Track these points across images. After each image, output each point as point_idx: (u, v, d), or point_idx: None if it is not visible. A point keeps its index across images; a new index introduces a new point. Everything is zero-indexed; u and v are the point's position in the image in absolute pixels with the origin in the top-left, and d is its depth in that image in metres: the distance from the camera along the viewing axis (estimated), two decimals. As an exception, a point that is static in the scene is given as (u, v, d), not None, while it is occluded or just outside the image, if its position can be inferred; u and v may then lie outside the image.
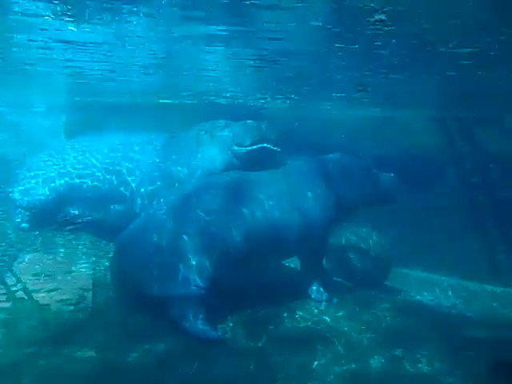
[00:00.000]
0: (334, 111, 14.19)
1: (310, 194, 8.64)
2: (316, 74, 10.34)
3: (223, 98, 13.25)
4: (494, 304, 10.97)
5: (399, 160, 9.69)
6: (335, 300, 8.82)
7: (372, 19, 6.58)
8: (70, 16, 7.26)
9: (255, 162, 9.03)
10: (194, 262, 7.57)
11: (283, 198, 8.39)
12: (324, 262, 9.36)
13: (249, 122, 9.26)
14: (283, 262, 9.72)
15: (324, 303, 8.68)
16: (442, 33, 7.30)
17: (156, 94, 13.55)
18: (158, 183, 9.81)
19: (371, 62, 9.02)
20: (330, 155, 9.16)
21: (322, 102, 13.28)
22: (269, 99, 13.14)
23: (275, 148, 9.04)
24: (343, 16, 6.70)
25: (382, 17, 6.51)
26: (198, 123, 9.99)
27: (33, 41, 8.51)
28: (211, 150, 9.57)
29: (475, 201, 12.62)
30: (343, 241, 10.67)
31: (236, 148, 9.25)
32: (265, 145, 9.04)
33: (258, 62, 9.44)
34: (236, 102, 13.58)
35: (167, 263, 7.52)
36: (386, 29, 6.88)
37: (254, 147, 9.08)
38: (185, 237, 7.66)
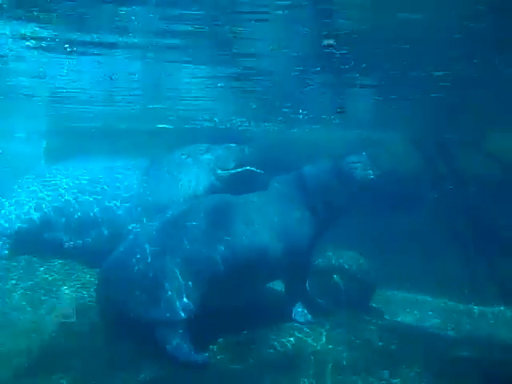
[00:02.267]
0: (317, 133, 14.47)
1: (292, 215, 8.76)
2: (292, 96, 10.55)
3: (205, 121, 13.43)
4: (480, 323, 11.03)
5: (380, 182, 9.40)
6: (319, 322, 8.80)
7: (323, 43, 6.91)
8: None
9: (238, 184, 9.20)
10: (178, 287, 7.63)
11: (266, 222, 8.49)
12: (307, 284, 9.43)
13: (232, 145, 9.45)
14: (268, 284, 9.72)
15: (308, 325, 8.67)
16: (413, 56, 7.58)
17: (137, 119, 13.69)
18: (141, 208, 9.81)
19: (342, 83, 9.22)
20: (304, 168, 9.27)
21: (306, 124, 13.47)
22: (252, 123, 13.37)
23: (258, 170, 9.24)
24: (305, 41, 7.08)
25: (331, 41, 6.87)
26: (179, 147, 10.14)
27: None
28: (194, 174, 9.68)
29: (455, 222, 12.79)
30: (327, 262, 10.65)
31: (219, 171, 9.41)
32: (248, 167, 9.24)
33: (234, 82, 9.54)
34: (217, 125, 13.77)
35: (152, 288, 7.58)
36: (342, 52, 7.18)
37: (238, 170, 9.27)
38: (169, 262, 7.75)
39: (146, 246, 7.93)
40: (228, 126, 13.59)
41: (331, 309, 9.52)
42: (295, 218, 8.75)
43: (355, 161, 9.15)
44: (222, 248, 7.98)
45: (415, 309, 11.61)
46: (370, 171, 9.16)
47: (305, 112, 11.71)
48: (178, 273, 7.72)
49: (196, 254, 7.87)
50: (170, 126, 13.91)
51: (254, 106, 11.49)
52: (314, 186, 9.04)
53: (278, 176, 9.28)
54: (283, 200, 8.91)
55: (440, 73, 8.25)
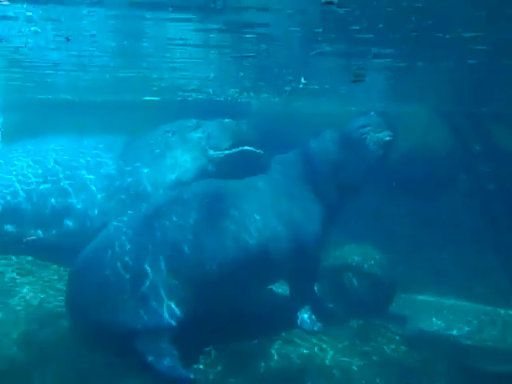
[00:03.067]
0: (327, 107, 14.54)
1: (296, 202, 8.96)
2: (299, 62, 10.54)
3: (195, 92, 13.43)
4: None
5: (399, 164, 9.96)
6: (329, 330, 8.86)
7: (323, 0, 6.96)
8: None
9: (234, 167, 9.32)
10: (163, 290, 7.73)
11: (267, 212, 8.63)
12: (316, 286, 9.62)
13: (226, 120, 9.50)
14: (270, 286, 9.88)
15: (316, 334, 8.75)
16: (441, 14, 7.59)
17: (111, 89, 13.68)
18: (118, 196, 9.93)
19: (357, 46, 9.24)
20: (307, 143, 9.45)
21: (314, 97, 13.49)
22: (252, 94, 13.31)
23: (258, 151, 9.32)
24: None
25: None
26: (164, 123, 10.18)
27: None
28: (181, 156, 9.79)
29: (491, 212, 12.82)
30: (338, 259, 10.78)
31: (212, 152, 9.53)
32: (246, 147, 9.30)
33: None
34: (211, 97, 13.83)
35: (130, 291, 7.66)
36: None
37: (234, 150, 9.35)
38: (151, 260, 7.84)
39: (123, 242, 7.99)
40: (224, 98, 13.77)
41: (343, 315, 9.65)
42: (301, 205, 8.96)
43: (364, 124, 9.29)
44: (215, 244, 8.10)
45: (441, 314, 11.71)
46: (385, 132, 9.28)
47: (308, 82, 11.78)
48: (162, 273, 7.80)
49: (183, 251, 7.96)
50: (156, 98, 14.02)
51: (248, 78, 11.61)
52: (321, 162, 9.28)
53: (278, 155, 9.40)
54: (286, 184, 9.09)
55: (471, 34, 8.29)
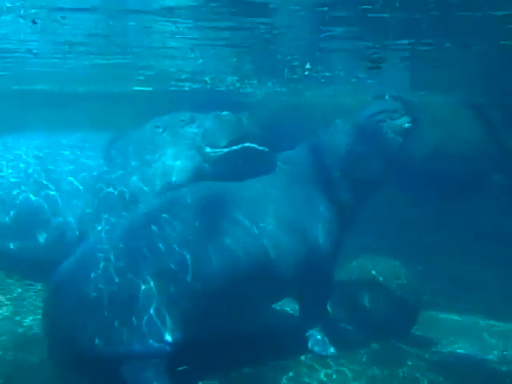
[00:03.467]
0: (339, 97, 14.18)
1: (306, 207, 8.86)
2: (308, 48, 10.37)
3: (188, 82, 13.33)
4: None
5: (426, 162, 9.91)
6: (344, 355, 8.70)
7: None
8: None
9: (233, 167, 9.12)
10: (154, 312, 7.56)
11: (272, 220, 8.51)
12: (329, 304, 9.49)
13: (224, 113, 9.24)
14: (276, 304, 9.74)
15: (329, 359, 8.60)
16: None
17: (93, 79, 13.58)
18: (102, 202, 9.77)
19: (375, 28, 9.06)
20: (315, 136, 9.36)
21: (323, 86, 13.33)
22: (255, 83, 13.14)
23: (261, 148, 9.06)
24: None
25: None
26: (153, 117, 9.97)
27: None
28: (173, 154, 9.58)
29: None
30: (356, 273, 10.59)
31: (208, 150, 9.28)
32: (247, 144, 9.06)
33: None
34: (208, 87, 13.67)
35: (116, 311, 7.48)
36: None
37: (234, 148, 9.09)
38: (139, 276, 7.68)
39: (108, 257, 7.78)
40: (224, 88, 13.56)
41: (361, 337, 9.51)
42: (311, 209, 8.86)
43: (379, 110, 9.12)
44: (213, 256, 7.94)
45: (473, 336, 11.49)
46: (404, 117, 9.10)
47: (318, 69, 11.63)
48: (152, 290, 7.62)
49: (177, 264, 7.79)
50: (148, 88, 13.90)
51: (249, 65, 11.56)
52: (333, 158, 9.11)
53: (284, 152, 9.27)
54: (293, 186, 8.97)
55: (504, 12, 8.26)
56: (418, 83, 13.32)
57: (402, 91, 13.09)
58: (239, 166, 9.13)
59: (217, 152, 9.23)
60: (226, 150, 9.16)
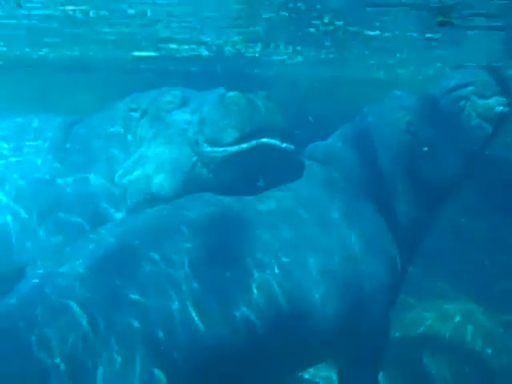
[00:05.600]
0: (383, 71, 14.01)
1: (352, 231, 7.63)
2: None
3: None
4: None
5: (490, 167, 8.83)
6: None
7: None
8: None
9: (244, 174, 7.79)
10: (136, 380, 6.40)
11: (301, 251, 7.29)
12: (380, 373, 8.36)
13: (231, 94, 7.87)
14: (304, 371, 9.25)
15: None
16: None
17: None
18: (52, 218, 8.46)
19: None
20: (366, 118, 8.31)
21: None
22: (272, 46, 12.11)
23: (285, 145, 7.65)
24: None
25: None
26: (127, 95, 8.88)
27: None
28: (155, 152, 8.27)
29: None
30: (418, 328, 9.69)
31: (207, 149, 7.85)
32: (264, 140, 7.56)
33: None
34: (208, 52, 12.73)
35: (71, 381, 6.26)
36: None
37: (244, 146, 7.61)
38: (109, 330, 6.45)
39: (61, 297, 6.61)
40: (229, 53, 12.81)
41: None
42: (357, 233, 7.62)
43: (462, 83, 8.05)
44: (216, 306, 6.80)
45: None
46: (497, 97, 7.96)
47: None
48: (128, 353, 6.43)
49: (165, 318, 6.61)
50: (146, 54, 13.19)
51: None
52: (389, 150, 8.06)
53: (314, 145, 8.39)
54: (329, 197, 7.80)
55: None
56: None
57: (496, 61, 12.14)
58: (252, 172, 7.73)
59: (220, 152, 7.76)
60: (233, 149, 7.66)
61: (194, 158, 7.98)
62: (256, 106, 7.74)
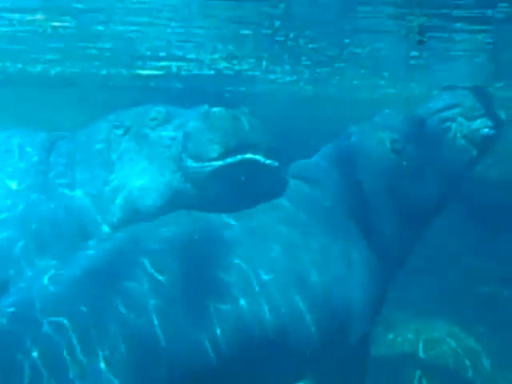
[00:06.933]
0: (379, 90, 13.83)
1: (334, 251, 7.57)
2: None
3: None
4: None
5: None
6: None
7: None
8: None
9: (227, 189, 7.82)
10: None
11: (285, 270, 7.28)
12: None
13: (215, 109, 7.88)
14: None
15: None
16: None
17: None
18: (30, 239, 8.27)
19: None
20: (350, 138, 8.25)
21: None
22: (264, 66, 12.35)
23: (269, 162, 7.69)
24: None
25: None
26: (111, 112, 8.79)
27: None
28: (140, 168, 8.26)
29: None
30: (401, 347, 9.58)
31: (192, 164, 7.84)
32: (248, 156, 7.62)
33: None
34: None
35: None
36: None
37: (228, 161, 7.64)
38: (97, 353, 6.38)
39: (41, 320, 6.48)
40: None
41: None
42: (340, 252, 7.58)
43: (448, 104, 8.14)
44: (199, 328, 6.78)
45: None
46: (483, 119, 8.03)
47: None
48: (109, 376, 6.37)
49: (146, 342, 6.55)
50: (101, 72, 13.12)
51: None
52: (373, 171, 8.01)
53: (298, 163, 8.36)
54: (312, 216, 7.75)
55: None
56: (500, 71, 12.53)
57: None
58: (236, 188, 7.77)
59: (204, 167, 7.74)
60: (217, 163, 7.67)
61: (178, 174, 7.97)
62: (240, 122, 7.74)
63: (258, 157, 7.69)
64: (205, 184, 7.88)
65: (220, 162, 7.69)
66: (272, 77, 13.25)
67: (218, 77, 13.11)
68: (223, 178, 7.79)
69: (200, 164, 7.83)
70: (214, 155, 7.68)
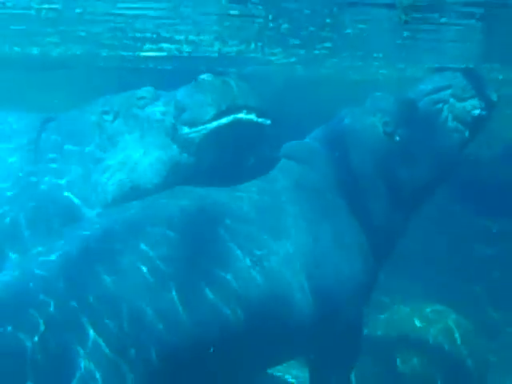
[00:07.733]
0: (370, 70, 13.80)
1: (325, 229, 7.61)
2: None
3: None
4: None
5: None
6: None
7: None
8: None
9: (222, 156, 7.81)
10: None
11: (274, 247, 7.21)
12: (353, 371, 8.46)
13: (203, 76, 7.90)
14: (274, 370, 9.15)
15: None
16: None
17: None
18: (24, 218, 8.11)
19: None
20: (343, 119, 8.25)
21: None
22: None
23: (261, 120, 7.65)
24: None
25: None
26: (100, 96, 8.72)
27: None
28: (134, 146, 8.15)
29: None
30: (392, 328, 9.63)
31: (186, 130, 7.77)
32: (241, 115, 7.55)
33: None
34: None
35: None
36: None
37: (223, 121, 7.57)
38: (84, 334, 6.24)
39: (35, 305, 6.22)
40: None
41: None
42: (330, 231, 7.62)
43: (440, 86, 8.13)
44: (191, 304, 6.69)
45: None
46: (475, 100, 8.03)
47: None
48: (99, 352, 6.21)
49: (139, 317, 6.42)
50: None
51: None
52: (364, 153, 8.04)
53: (291, 143, 8.39)
54: (303, 194, 7.77)
55: None
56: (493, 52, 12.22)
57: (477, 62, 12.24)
58: (229, 154, 7.83)
59: (199, 130, 7.69)
60: (212, 125, 7.62)
61: (174, 146, 7.87)
62: (230, 85, 7.71)
63: (250, 116, 7.57)
64: (201, 149, 7.74)
65: (214, 124, 7.59)
66: (262, 57, 13.13)
67: (209, 59, 13.04)
68: (217, 141, 7.67)
69: (195, 129, 7.71)
70: (208, 117, 7.57)
